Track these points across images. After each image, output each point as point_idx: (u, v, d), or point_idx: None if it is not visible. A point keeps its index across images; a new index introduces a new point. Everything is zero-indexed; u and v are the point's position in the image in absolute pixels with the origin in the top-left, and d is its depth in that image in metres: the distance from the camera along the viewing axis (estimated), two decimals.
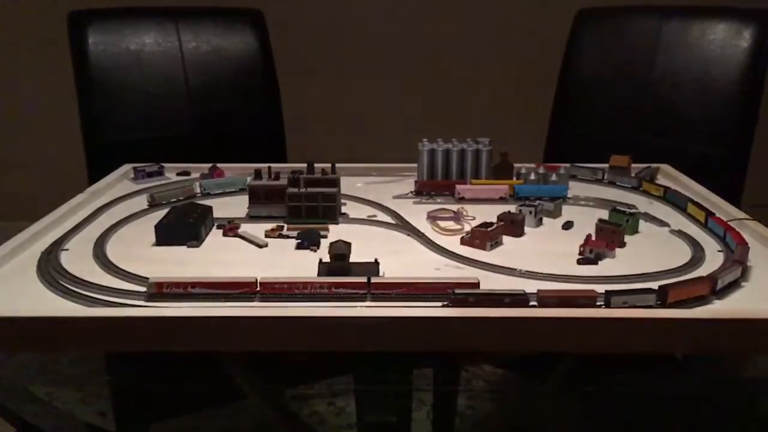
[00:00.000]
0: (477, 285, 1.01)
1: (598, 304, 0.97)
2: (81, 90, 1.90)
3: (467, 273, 1.11)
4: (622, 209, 1.32)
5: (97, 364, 2.12)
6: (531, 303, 0.97)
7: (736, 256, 1.10)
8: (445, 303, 0.98)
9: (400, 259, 1.16)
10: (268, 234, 1.27)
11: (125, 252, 1.19)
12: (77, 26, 1.89)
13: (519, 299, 0.96)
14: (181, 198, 1.47)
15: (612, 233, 1.21)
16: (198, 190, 1.52)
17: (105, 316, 0.96)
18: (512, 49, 3.05)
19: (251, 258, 1.19)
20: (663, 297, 0.98)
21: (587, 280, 1.07)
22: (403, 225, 1.33)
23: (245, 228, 1.30)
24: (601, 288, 1.01)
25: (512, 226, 1.27)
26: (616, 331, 0.94)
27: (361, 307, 0.99)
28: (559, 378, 1.56)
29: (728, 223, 1.23)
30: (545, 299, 0.97)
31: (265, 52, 2.07)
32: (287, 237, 1.26)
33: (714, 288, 1.01)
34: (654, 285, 1.01)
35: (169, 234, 1.23)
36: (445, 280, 1.03)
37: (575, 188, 1.53)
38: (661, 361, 1.53)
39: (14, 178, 3.20)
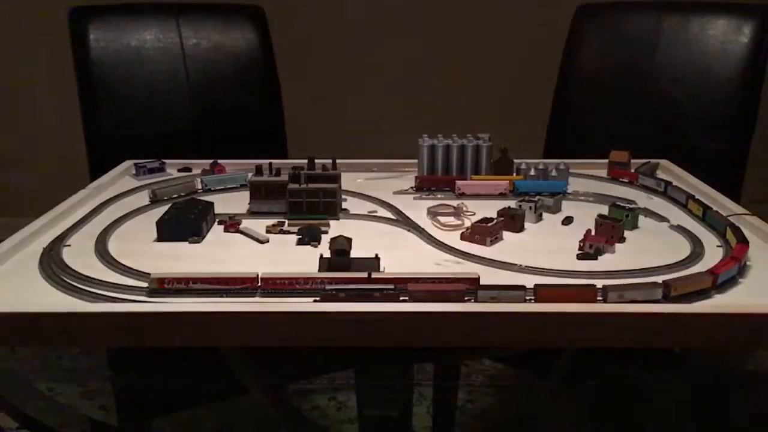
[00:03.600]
0: (477, 280, 1.01)
1: (466, 299, 0.98)
2: (82, 86, 1.90)
3: (467, 268, 1.11)
4: (622, 204, 1.32)
5: (99, 359, 2.12)
6: (402, 298, 0.98)
7: (674, 280, 1.02)
8: (316, 299, 0.99)
9: (401, 255, 1.16)
10: (269, 230, 1.27)
11: (127, 248, 1.19)
12: (78, 22, 1.89)
13: (388, 294, 0.97)
14: (182, 194, 1.47)
15: (611, 228, 1.22)
16: (199, 186, 1.52)
17: (107, 311, 0.97)
18: (512, 45, 3.05)
19: (252, 254, 1.19)
20: (534, 296, 0.98)
21: (587, 275, 1.08)
22: (403, 220, 1.33)
23: (246, 224, 1.30)
24: (599, 283, 1.01)
25: (512, 221, 1.27)
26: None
27: (360, 302, 1.00)
28: (558, 372, 1.56)
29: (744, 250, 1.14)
30: (415, 294, 0.98)
31: (266, 48, 2.07)
32: (288, 233, 1.26)
33: (605, 298, 0.98)
34: (657, 279, 1.02)
35: (171, 230, 1.23)
36: (445, 275, 1.03)
37: (575, 184, 1.54)
38: (659, 356, 1.54)
39: (16, 175, 3.20)
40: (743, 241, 1.15)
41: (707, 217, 1.31)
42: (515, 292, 0.98)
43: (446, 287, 0.99)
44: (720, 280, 1.04)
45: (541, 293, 0.98)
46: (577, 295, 0.98)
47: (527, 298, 0.98)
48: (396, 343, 0.99)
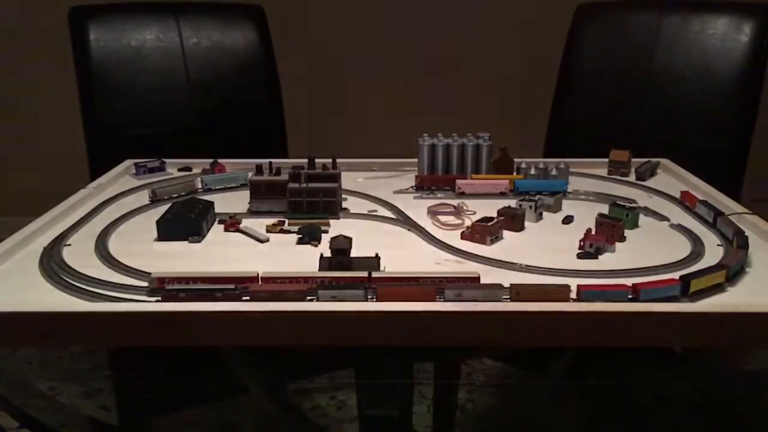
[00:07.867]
0: (477, 279, 1.01)
1: (309, 298, 0.98)
2: (82, 85, 1.90)
3: (468, 267, 1.11)
4: (622, 204, 1.32)
5: (100, 358, 2.12)
6: (245, 298, 0.98)
7: (521, 285, 0.98)
8: (158, 299, 0.99)
9: (401, 254, 1.16)
10: (270, 229, 1.27)
11: (127, 247, 1.19)
12: (78, 22, 1.89)
13: (230, 294, 0.98)
14: (182, 193, 1.47)
15: (612, 227, 1.22)
16: (199, 186, 1.52)
17: (107, 311, 0.97)
18: (512, 44, 3.05)
19: (252, 253, 1.19)
20: (374, 294, 0.99)
21: (587, 275, 1.08)
22: (403, 220, 1.33)
23: (246, 223, 1.30)
24: (598, 282, 1.01)
25: (512, 220, 1.27)
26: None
27: (362, 301, 1.00)
28: (558, 371, 1.56)
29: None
30: (257, 294, 0.98)
31: (266, 48, 2.07)
32: (288, 232, 1.26)
33: (447, 298, 0.97)
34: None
35: (171, 229, 1.23)
36: (446, 274, 1.03)
37: (575, 183, 1.54)
38: (660, 355, 1.54)
39: (16, 174, 3.20)
40: (683, 280, 1.01)
41: None
42: (354, 291, 0.98)
43: (287, 288, 0.99)
44: (587, 297, 0.97)
45: (381, 292, 0.98)
46: (417, 293, 0.98)
47: (369, 296, 0.98)
48: (395, 342, 0.99)
